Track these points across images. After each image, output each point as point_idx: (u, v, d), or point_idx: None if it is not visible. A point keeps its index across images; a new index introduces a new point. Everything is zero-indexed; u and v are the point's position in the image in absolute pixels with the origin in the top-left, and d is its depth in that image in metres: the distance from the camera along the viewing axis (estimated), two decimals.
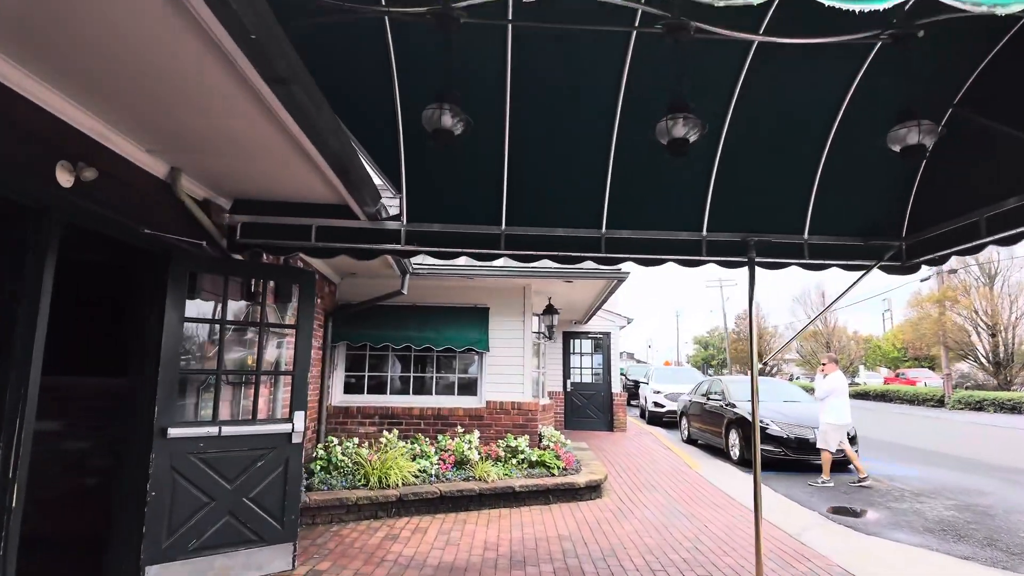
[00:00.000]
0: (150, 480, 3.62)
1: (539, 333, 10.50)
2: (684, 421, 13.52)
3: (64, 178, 2.80)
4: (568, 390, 14.28)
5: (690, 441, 13.00)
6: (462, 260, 7.58)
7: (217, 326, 4.28)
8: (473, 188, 4.37)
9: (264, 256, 4.79)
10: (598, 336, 14.63)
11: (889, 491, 8.16)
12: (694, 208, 4.44)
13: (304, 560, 4.57)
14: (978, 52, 3.68)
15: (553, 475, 7.03)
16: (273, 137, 3.10)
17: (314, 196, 4.17)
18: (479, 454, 7.07)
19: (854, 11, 1.79)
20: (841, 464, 8.87)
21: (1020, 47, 3.48)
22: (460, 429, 7.97)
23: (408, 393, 8.37)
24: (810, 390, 10.98)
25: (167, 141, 3.28)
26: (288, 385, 4.66)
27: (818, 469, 8.76)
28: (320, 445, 7.01)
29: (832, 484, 8.34)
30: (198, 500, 3.85)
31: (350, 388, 8.29)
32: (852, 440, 9.55)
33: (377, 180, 4.22)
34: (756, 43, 3.62)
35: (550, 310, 10.47)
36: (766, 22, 3.33)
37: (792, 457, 9.52)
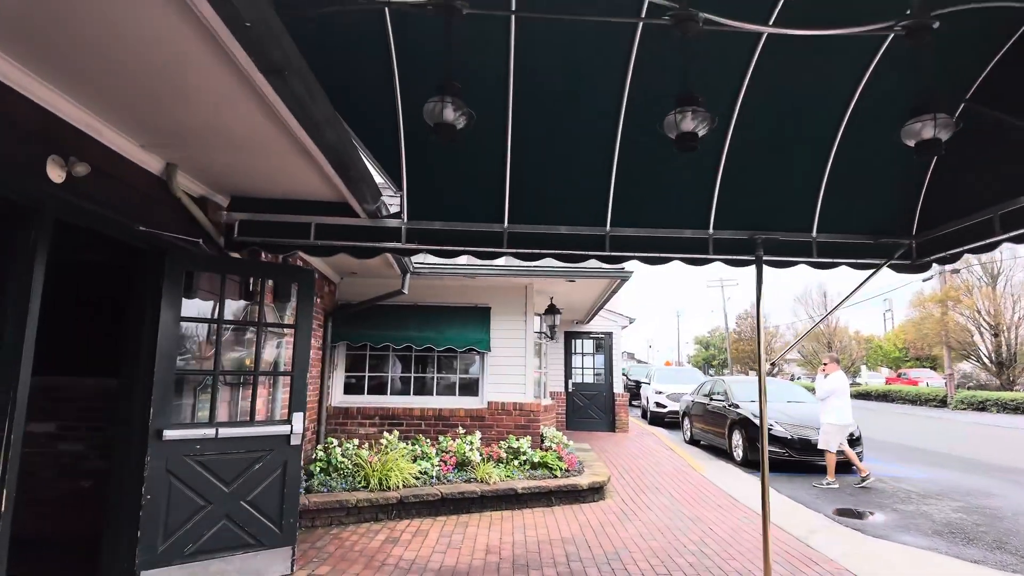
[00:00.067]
0: (145, 483, 3.54)
1: (541, 333, 10.42)
2: (686, 422, 13.43)
3: (55, 173, 2.72)
4: (570, 390, 14.19)
5: (692, 442, 12.91)
6: (463, 259, 7.51)
7: (214, 326, 4.20)
8: (475, 185, 4.29)
9: (262, 254, 4.71)
10: (600, 336, 14.55)
11: (895, 493, 8.07)
12: (700, 205, 4.35)
13: (303, 564, 4.49)
14: (992, 45, 3.60)
15: (555, 477, 6.95)
16: (270, 131, 3.03)
17: (313, 193, 4.10)
18: (481, 455, 6.99)
19: None
20: (845, 465, 8.78)
21: None
22: (461, 430, 7.88)
23: (409, 394, 8.29)
24: (812, 390, 10.88)
25: (162, 136, 3.20)
26: (287, 386, 4.58)
27: (822, 470, 8.68)
28: (320, 446, 6.93)
29: (837, 486, 8.26)
30: (194, 503, 3.77)
31: (350, 389, 8.21)
32: (857, 441, 9.48)
33: (378, 179, 4.15)
34: (765, 36, 3.53)
35: (552, 310, 10.39)
36: (776, 13, 3.24)
37: (796, 458, 9.43)
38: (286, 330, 4.82)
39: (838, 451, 8.52)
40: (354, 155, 3.41)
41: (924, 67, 3.59)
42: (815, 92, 3.90)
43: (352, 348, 8.19)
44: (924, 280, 31.54)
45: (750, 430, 10.05)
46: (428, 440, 7.46)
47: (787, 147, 4.17)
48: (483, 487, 6.31)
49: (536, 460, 7.16)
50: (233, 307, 4.46)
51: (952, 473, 9.75)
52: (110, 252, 4.76)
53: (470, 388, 8.36)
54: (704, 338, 68.39)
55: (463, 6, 2.77)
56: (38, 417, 4.76)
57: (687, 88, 2.94)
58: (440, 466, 6.70)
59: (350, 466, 6.34)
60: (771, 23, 3.24)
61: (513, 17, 3.37)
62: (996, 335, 29.75)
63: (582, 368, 14.47)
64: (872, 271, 4.50)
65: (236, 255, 4.41)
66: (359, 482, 6.08)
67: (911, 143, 2.97)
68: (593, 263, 4.90)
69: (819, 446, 8.70)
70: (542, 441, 8.18)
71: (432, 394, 8.30)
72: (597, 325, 14.38)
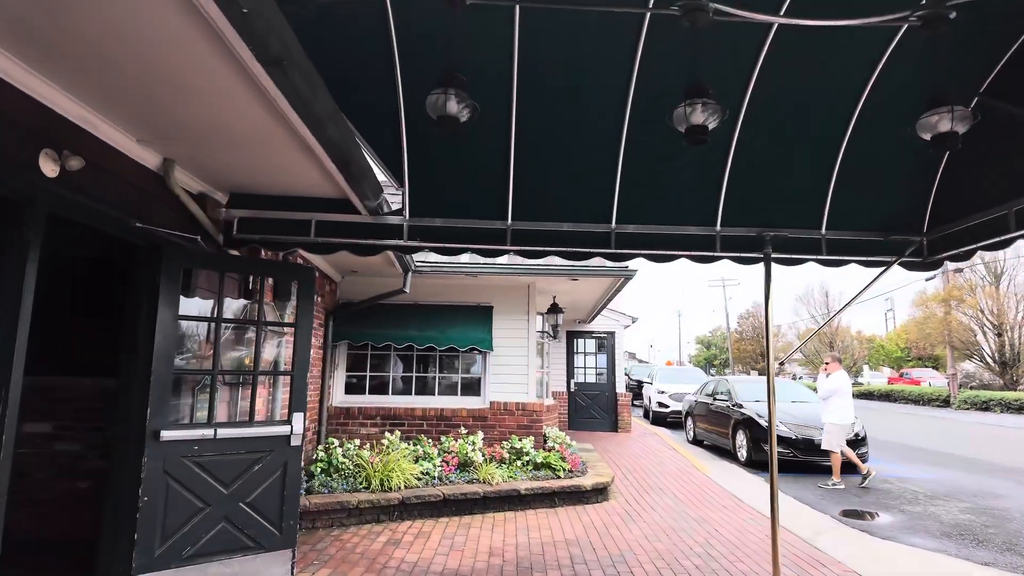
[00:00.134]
0: (142, 485, 3.47)
1: (543, 332, 10.35)
2: (689, 422, 13.36)
3: (48, 167, 2.65)
4: (572, 390, 14.12)
5: (696, 442, 12.84)
6: (465, 257, 7.47)
7: (213, 324, 4.12)
8: (477, 181, 4.21)
9: (262, 252, 4.65)
10: (602, 335, 14.48)
11: (901, 494, 7.99)
12: (707, 202, 4.28)
13: (303, 567, 4.42)
14: (1008, 37, 3.52)
15: (559, 477, 6.87)
16: (270, 126, 2.95)
17: (314, 189, 4.03)
18: (483, 456, 6.92)
19: None
20: (849, 466, 8.70)
21: None
22: (463, 430, 7.81)
23: (410, 393, 8.22)
24: (814, 390, 10.82)
25: (158, 130, 3.13)
26: (287, 386, 4.50)
27: (826, 471, 8.60)
28: (320, 447, 6.86)
29: (843, 486, 8.18)
30: (192, 505, 3.70)
31: (351, 388, 8.14)
32: (862, 441, 9.41)
33: (380, 175, 4.08)
34: (774, 29, 3.45)
35: (555, 309, 10.31)
36: (787, 3, 3.17)
37: (801, 459, 9.35)
38: (286, 329, 4.75)
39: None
40: (355, 151, 3.34)
41: (936, 60, 3.51)
42: (825, 86, 3.83)
43: (353, 347, 8.12)
44: (927, 280, 31.44)
45: (754, 430, 9.97)
46: (430, 440, 7.39)
47: (796, 143, 4.09)
48: (486, 488, 6.24)
49: (539, 461, 7.09)
50: (232, 305, 4.39)
51: (958, 473, 9.67)
52: (107, 249, 4.70)
53: (472, 388, 8.29)
54: (705, 338, 68.25)
55: None
56: (34, 417, 4.70)
57: (696, 80, 2.86)
58: (442, 467, 6.63)
59: (351, 467, 6.28)
60: (782, 13, 3.16)
61: (517, 8, 3.30)
62: (999, 335, 29.64)
63: (584, 368, 14.40)
64: (883, 269, 4.43)
65: (235, 252, 4.34)
66: (360, 483, 6.01)
67: (927, 137, 2.89)
68: (596, 261, 4.82)
69: (823, 446, 8.63)
70: (545, 441, 8.11)
71: (434, 394, 8.23)
72: (599, 324, 14.31)
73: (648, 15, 3.32)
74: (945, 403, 26.92)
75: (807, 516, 6.58)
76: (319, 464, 6.33)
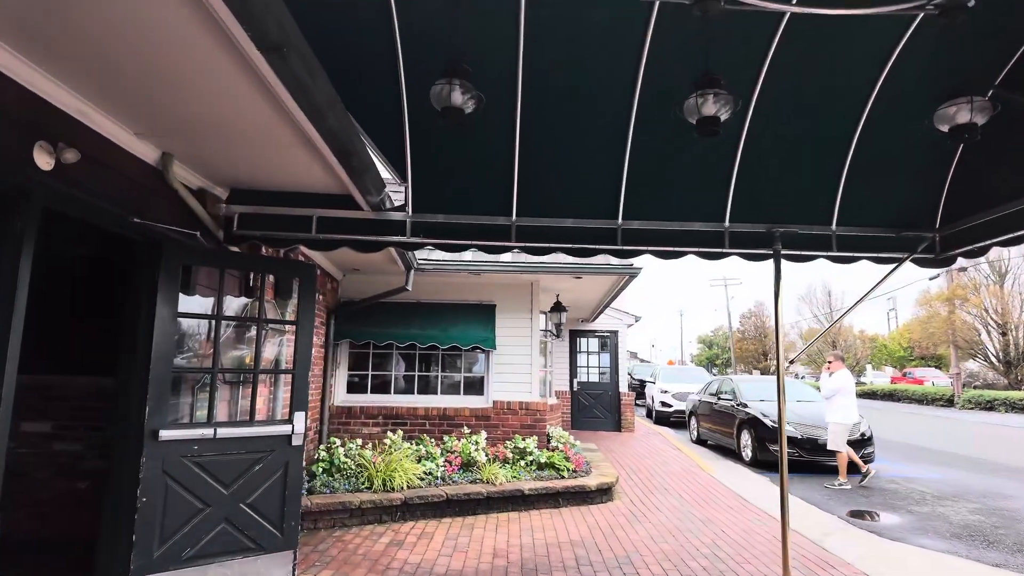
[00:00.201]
0: (140, 485, 3.40)
1: (547, 331, 10.27)
2: (693, 421, 13.28)
3: (43, 160, 2.58)
4: (575, 389, 14.04)
5: (699, 442, 12.75)
6: (468, 255, 7.40)
7: (213, 322, 4.05)
8: (481, 177, 4.14)
9: (263, 249, 4.58)
10: (605, 334, 14.39)
11: (909, 494, 7.90)
12: (716, 198, 4.20)
13: (305, 568, 4.36)
14: (1022, 29, 3.44)
15: (563, 477, 6.80)
16: (270, 117, 2.89)
17: (315, 185, 3.96)
18: (486, 456, 6.85)
19: None
20: (855, 467, 8.62)
21: None
22: (466, 430, 7.74)
23: (413, 393, 8.15)
24: (817, 389, 10.75)
25: (156, 123, 3.06)
26: (288, 384, 4.43)
27: (832, 471, 8.53)
28: (322, 446, 6.80)
29: (849, 486, 8.11)
30: (192, 506, 3.63)
31: (353, 387, 8.07)
32: (868, 441, 9.33)
33: (383, 172, 4.01)
34: (786, 20, 3.37)
35: (558, 307, 10.23)
36: None
37: (806, 459, 9.27)
38: (287, 327, 4.68)
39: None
40: (357, 143, 3.27)
41: (951, 51, 3.43)
42: (835, 80, 3.74)
43: (355, 346, 8.06)
44: (930, 279, 31.26)
45: (759, 430, 9.89)
46: (433, 440, 7.32)
47: (806, 137, 4.01)
48: (489, 488, 6.17)
49: (543, 460, 7.01)
50: (233, 303, 4.33)
51: (964, 473, 9.58)
52: (106, 248, 4.64)
53: (475, 387, 8.21)
54: (707, 337, 68.06)
55: None
56: (30, 417, 4.64)
57: (707, 70, 2.79)
58: (445, 467, 6.57)
59: (353, 467, 6.21)
60: (795, 2, 3.08)
61: (523, 0, 3.22)
62: (1004, 334, 29.47)
63: (587, 367, 14.32)
64: (894, 265, 4.35)
65: (236, 249, 4.27)
66: (362, 483, 5.94)
67: (944, 128, 2.83)
68: (600, 259, 4.75)
69: (828, 447, 8.56)
70: (548, 441, 8.04)
71: (436, 393, 8.16)
72: (602, 323, 14.22)
73: (657, 4, 3.24)
74: (949, 403, 26.78)
75: (814, 516, 6.50)
76: (321, 464, 6.27)
